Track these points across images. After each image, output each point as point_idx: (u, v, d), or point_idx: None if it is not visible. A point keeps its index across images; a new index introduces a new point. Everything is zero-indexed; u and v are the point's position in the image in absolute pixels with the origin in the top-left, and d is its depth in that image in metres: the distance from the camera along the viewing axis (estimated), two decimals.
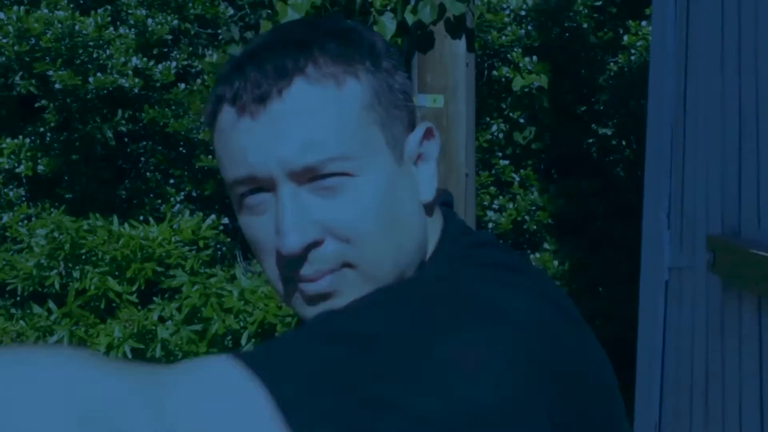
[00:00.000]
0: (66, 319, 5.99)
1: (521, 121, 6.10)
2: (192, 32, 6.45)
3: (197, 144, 6.31)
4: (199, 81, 6.27)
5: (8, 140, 6.52)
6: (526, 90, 5.95)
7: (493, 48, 6.03)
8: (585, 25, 6.18)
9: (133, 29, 6.23)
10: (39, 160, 6.53)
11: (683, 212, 3.66)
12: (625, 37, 6.08)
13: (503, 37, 5.95)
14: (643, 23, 5.97)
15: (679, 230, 3.68)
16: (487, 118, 6.12)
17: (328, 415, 0.81)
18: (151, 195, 6.61)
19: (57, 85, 6.06)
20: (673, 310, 3.73)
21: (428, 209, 1.19)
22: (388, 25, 4.55)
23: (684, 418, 3.72)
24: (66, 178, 6.65)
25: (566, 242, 6.16)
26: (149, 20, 6.20)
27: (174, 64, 6.28)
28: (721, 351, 3.49)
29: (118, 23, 6.26)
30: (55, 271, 6.05)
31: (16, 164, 6.54)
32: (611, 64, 6.30)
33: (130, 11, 6.33)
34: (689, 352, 3.68)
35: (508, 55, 6.01)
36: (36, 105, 6.45)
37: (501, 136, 6.12)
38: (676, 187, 3.68)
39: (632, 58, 6.11)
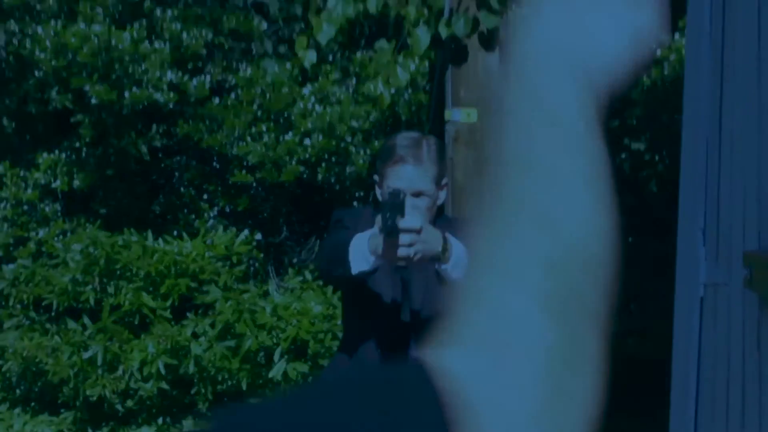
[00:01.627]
0: (100, 335, 6.03)
1: None
2: (226, 46, 6.48)
3: (231, 159, 6.34)
4: (233, 95, 6.29)
5: (44, 155, 6.58)
6: None
7: None
8: None
9: (168, 43, 6.27)
10: (75, 175, 6.58)
11: (719, 228, 3.63)
12: (658, 51, 6.05)
13: None
14: (677, 36, 5.94)
15: (714, 246, 3.65)
16: None
17: None
18: (185, 210, 6.65)
19: (93, 100, 6.11)
20: (709, 327, 3.70)
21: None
22: (422, 38, 4.56)
23: None
24: (101, 193, 6.70)
25: None
26: (184, 34, 6.24)
27: (208, 78, 6.32)
28: (758, 369, 3.45)
29: (153, 37, 6.30)
30: (90, 286, 6.09)
31: (52, 179, 6.59)
32: (644, 78, 6.27)
33: (165, 25, 6.37)
34: (725, 370, 3.65)
35: None
36: (72, 120, 6.51)
37: None
38: (712, 202, 3.66)
39: (665, 72, 6.08)
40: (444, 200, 3.30)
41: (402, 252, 2.86)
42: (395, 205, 2.87)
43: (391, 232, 2.83)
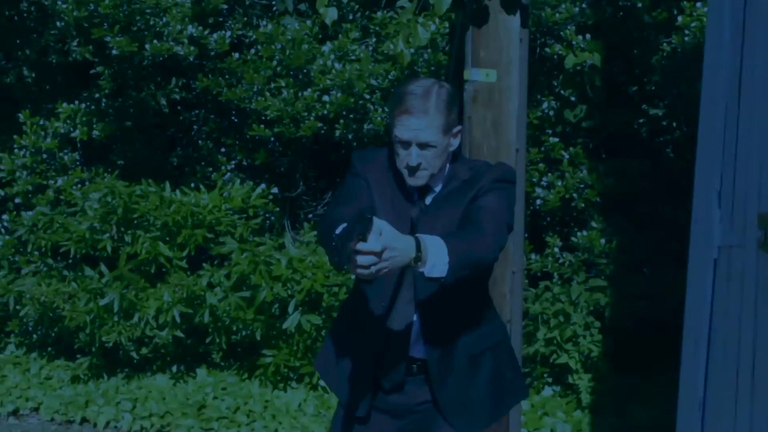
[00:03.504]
0: (117, 282, 6.10)
1: (572, 99, 6.09)
2: (247, 2, 6.49)
3: (249, 113, 6.37)
4: (252, 51, 6.31)
5: (64, 105, 6.62)
6: (578, 68, 5.94)
7: (546, 25, 6.02)
8: (639, 5, 6.14)
9: None
10: (94, 126, 6.62)
11: (734, 191, 3.67)
12: (680, 18, 6.04)
13: (557, 15, 5.94)
14: (698, 4, 5.93)
15: (729, 209, 3.69)
16: (538, 96, 6.12)
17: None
18: (203, 163, 6.69)
19: (114, 52, 6.14)
20: (722, 289, 3.74)
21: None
22: None
23: (729, 398, 3.74)
24: (119, 143, 6.74)
25: (613, 221, 6.16)
26: None
27: (229, 33, 6.34)
28: None
29: None
30: (108, 234, 6.15)
31: (71, 129, 6.64)
32: (664, 44, 6.26)
33: None
34: (737, 331, 3.70)
35: (561, 33, 5.99)
36: (92, 71, 6.54)
37: (551, 113, 6.12)
38: (728, 165, 3.69)
39: (686, 39, 6.07)
40: (457, 146, 3.31)
41: (362, 272, 2.81)
42: (358, 228, 2.78)
43: (348, 257, 2.78)
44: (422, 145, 3.17)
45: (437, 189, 3.35)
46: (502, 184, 3.29)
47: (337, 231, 2.91)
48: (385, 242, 2.82)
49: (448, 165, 3.34)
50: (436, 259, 2.95)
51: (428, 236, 2.99)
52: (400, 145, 3.21)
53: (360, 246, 2.79)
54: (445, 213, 3.29)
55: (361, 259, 2.80)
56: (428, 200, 3.35)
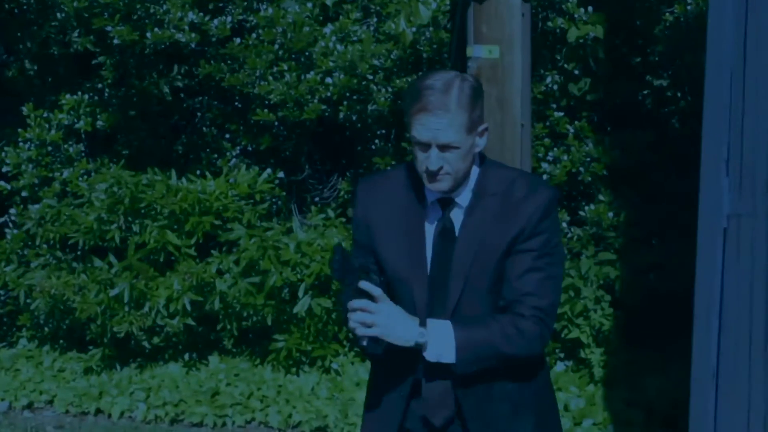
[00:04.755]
0: (126, 272, 6.10)
1: (576, 72, 6.07)
2: None
3: (253, 98, 6.35)
4: (254, 35, 6.29)
5: (67, 97, 6.61)
6: (581, 41, 5.91)
7: None
8: None
9: None
10: (98, 116, 6.61)
11: (742, 159, 3.65)
12: None
13: None
14: None
15: (738, 177, 3.67)
16: (542, 70, 6.09)
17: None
18: (208, 149, 6.68)
19: (115, 41, 6.13)
20: (732, 258, 3.73)
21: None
22: None
23: (742, 367, 3.73)
24: (123, 133, 6.74)
25: (621, 194, 6.15)
26: None
27: (229, 18, 6.32)
28: None
29: None
30: (115, 224, 6.15)
31: (75, 120, 6.63)
32: (667, 14, 6.23)
33: None
34: (748, 300, 3.69)
35: (563, 6, 5.97)
36: (94, 62, 6.53)
37: (555, 87, 6.10)
38: (735, 134, 3.67)
39: (688, 8, 6.04)
40: (483, 146, 2.90)
41: (351, 327, 2.77)
42: (356, 286, 2.77)
43: (345, 318, 2.79)
44: (443, 147, 2.78)
45: (463, 203, 2.94)
46: (549, 222, 2.88)
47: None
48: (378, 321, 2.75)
49: (476, 170, 2.94)
50: (441, 348, 2.78)
51: (437, 322, 2.80)
52: (419, 147, 2.82)
53: (355, 303, 2.75)
54: (477, 239, 2.89)
55: (353, 321, 2.74)
56: (454, 217, 2.95)
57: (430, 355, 2.77)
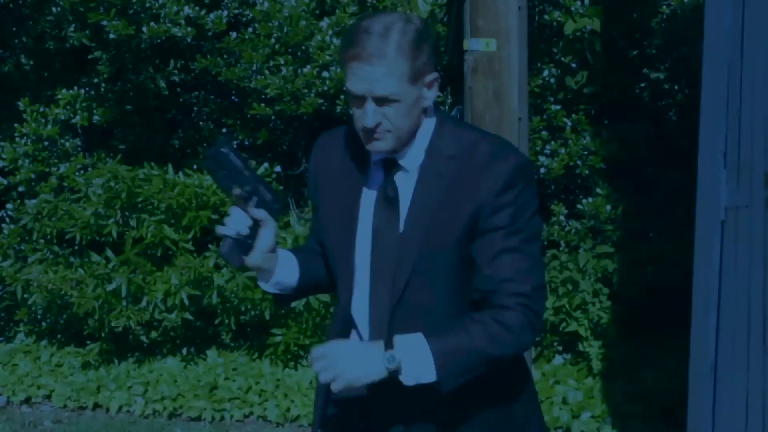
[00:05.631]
0: (124, 267, 6.09)
1: (573, 65, 6.06)
2: None
3: (249, 92, 6.34)
4: (250, 29, 6.28)
5: (63, 91, 6.59)
6: (578, 34, 5.90)
7: None
8: None
9: None
10: (94, 111, 6.60)
11: (740, 151, 3.65)
12: None
13: None
14: None
15: (735, 169, 3.67)
16: (539, 63, 6.09)
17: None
18: (204, 144, 6.66)
19: (111, 36, 6.11)
20: (730, 251, 3.73)
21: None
22: None
23: (741, 360, 3.73)
24: (120, 128, 6.73)
25: (618, 187, 6.15)
26: None
27: (225, 12, 6.30)
28: None
29: None
30: (112, 219, 6.15)
31: (71, 115, 6.62)
32: (663, 7, 6.23)
33: None
34: (746, 292, 3.69)
35: None
36: (89, 56, 6.51)
37: (552, 80, 6.09)
38: (733, 126, 3.67)
39: (685, 0, 6.04)
40: (434, 99, 2.50)
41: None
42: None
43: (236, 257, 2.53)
44: (381, 100, 2.38)
45: (410, 165, 2.51)
46: (515, 192, 2.43)
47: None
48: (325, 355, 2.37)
49: (430, 127, 2.52)
50: (418, 369, 2.36)
51: (405, 338, 2.37)
52: (354, 101, 2.42)
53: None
54: (428, 211, 2.47)
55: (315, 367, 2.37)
56: (399, 182, 2.53)
57: (407, 378, 2.36)
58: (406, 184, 2.52)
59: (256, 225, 2.50)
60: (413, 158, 2.51)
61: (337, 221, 2.59)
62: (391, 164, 2.52)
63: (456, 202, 2.45)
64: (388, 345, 2.38)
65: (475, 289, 2.48)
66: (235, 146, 2.58)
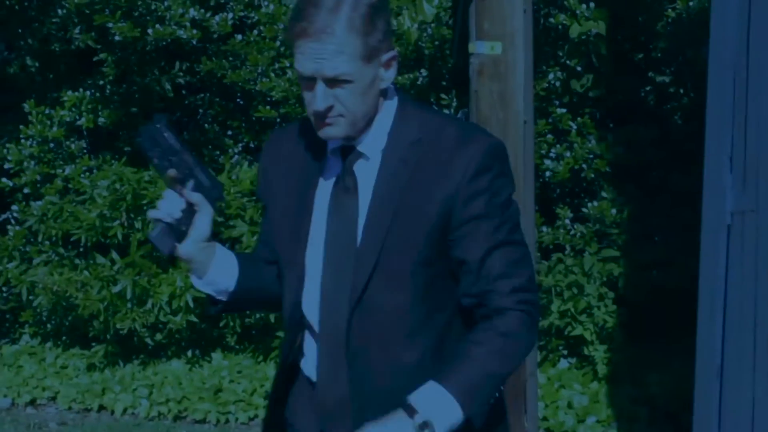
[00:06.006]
0: (129, 269, 6.10)
1: (578, 69, 6.05)
2: None
3: (255, 95, 6.34)
4: (255, 32, 6.28)
5: (69, 93, 6.60)
6: (584, 37, 5.89)
7: None
8: None
9: None
10: (99, 113, 6.60)
11: (746, 155, 3.64)
12: None
13: None
14: None
15: (741, 173, 3.66)
16: (544, 66, 6.08)
17: None
18: (210, 146, 6.67)
19: (117, 37, 6.12)
20: (736, 255, 3.72)
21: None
22: None
23: (747, 364, 3.72)
24: (125, 130, 6.73)
25: (624, 190, 6.14)
26: None
27: (231, 15, 6.30)
28: None
29: None
30: (118, 221, 6.15)
31: (77, 117, 6.62)
32: (669, 10, 6.22)
33: None
34: (752, 296, 3.68)
35: (565, 2, 5.95)
36: (95, 58, 6.52)
37: (558, 84, 6.08)
38: (739, 129, 3.66)
39: (690, 4, 6.04)
40: (392, 79, 2.30)
41: None
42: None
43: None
44: (332, 81, 2.18)
45: (370, 152, 2.32)
46: (490, 176, 2.25)
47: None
48: None
49: (390, 110, 2.33)
50: (445, 416, 2.17)
51: (421, 392, 2.17)
52: (303, 83, 2.23)
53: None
54: (392, 201, 2.26)
55: None
56: (358, 171, 2.33)
57: (441, 430, 2.16)
58: (366, 173, 2.31)
59: (191, 210, 2.31)
60: (373, 144, 2.31)
61: (289, 216, 2.37)
62: (349, 152, 2.32)
63: (424, 191, 2.25)
64: (406, 408, 2.16)
65: (465, 295, 2.29)
66: (171, 124, 2.30)
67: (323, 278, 2.33)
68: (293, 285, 2.38)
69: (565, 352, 6.10)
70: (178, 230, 2.30)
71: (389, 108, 2.33)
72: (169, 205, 2.30)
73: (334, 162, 2.35)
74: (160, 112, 2.42)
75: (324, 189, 2.35)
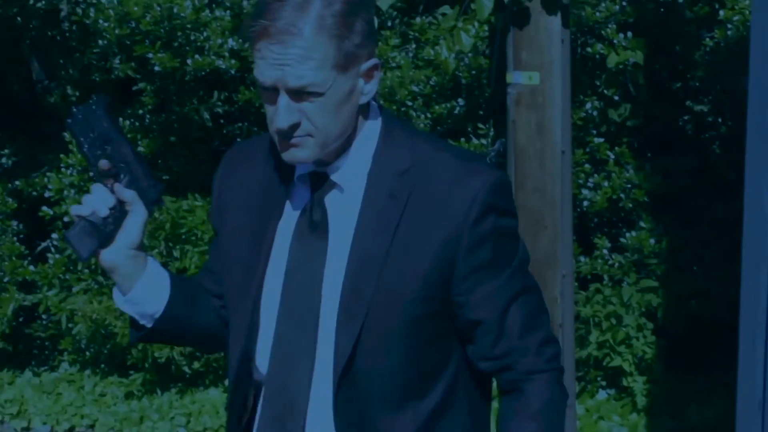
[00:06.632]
0: None
1: (616, 98, 6.04)
2: None
3: None
4: None
5: None
6: (621, 67, 5.89)
7: (587, 24, 5.98)
8: (680, 0, 6.10)
9: (228, 11, 6.31)
10: (138, 142, 6.66)
11: None
12: (721, 12, 5.99)
13: (597, 13, 5.90)
14: None
15: None
16: (581, 96, 6.08)
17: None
18: None
19: (156, 68, 6.18)
20: None
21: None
22: (485, 2, 4.55)
23: None
24: (164, 159, 6.78)
25: (662, 220, 6.10)
26: (244, 2, 6.28)
27: None
28: None
29: (214, 6, 6.35)
30: (156, 250, 6.18)
31: None
32: (707, 39, 6.21)
33: None
34: None
35: (602, 32, 5.95)
36: (134, 88, 6.58)
37: (595, 113, 6.07)
38: None
39: (728, 33, 6.02)
40: (372, 93, 1.92)
41: None
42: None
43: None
44: (297, 93, 1.80)
45: (345, 182, 1.94)
46: (494, 217, 1.91)
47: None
48: None
49: (374, 132, 1.95)
50: None
51: None
52: (265, 95, 1.85)
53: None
54: (376, 244, 1.88)
55: None
56: (330, 204, 1.95)
57: None
58: (341, 207, 1.93)
59: (121, 211, 1.97)
60: (350, 173, 1.92)
61: (243, 248, 2.00)
62: (319, 180, 1.94)
63: (417, 233, 1.88)
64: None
65: (485, 358, 1.97)
66: (111, 109, 1.99)
67: (277, 330, 1.96)
68: (241, 333, 1.99)
69: (604, 383, 6.05)
70: (103, 232, 1.96)
71: (371, 129, 1.95)
72: (95, 201, 1.95)
73: (303, 191, 1.97)
74: (99, 95, 2.02)
75: (289, 221, 1.98)
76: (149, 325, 2.06)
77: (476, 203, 1.87)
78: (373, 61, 1.88)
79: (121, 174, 1.96)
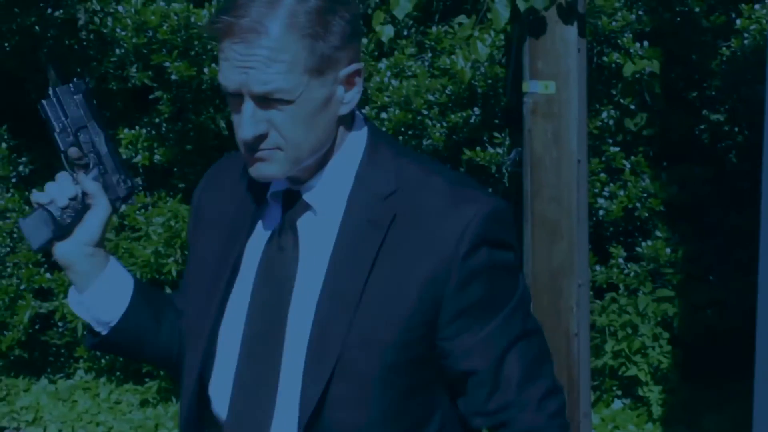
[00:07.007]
0: None
1: (632, 107, 6.04)
2: None
3: None
4: None
5: (125, 131, 6.69)
6: (637, 76, 5.88)
7: (603, 34, 5.98)
8: (697, 9, 6.09)
9: None
10: (155, 150, 6.68)
11: None
12: (738, 21, 5.98)
13: (614, 23, 5.89)
14: (756, 6, 5.88)
15: None
16: (597, 105, 6.07)
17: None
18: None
19: (173, 76, 6.20)
20: None
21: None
22: (501, 11, 4.55)
23: None
24: (180, 167, 6.80)
25: (678, 230, 6.09)
26: None
27: None
28: None
29: None
30: (172, 258, 6.20)
31: (133, 154, 6.71)
32: (723, 48, 6.20)
33: None
34: None
35: (618, 41, 5.95)
36: (151, 96, 6.61)
37: (611, 122, 6.07)
38: None
39: (745, 42, 6.01)
40: (354, 103, 1.71)
41: None
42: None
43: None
44: (263, 100, 1.61)
45: (320, 203, 1.73)
46: (487, 250, 1.67)
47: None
48: None
49: (357, 147, 1.74)
50: None
51: None
52: (230, 101, 1.69)
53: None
54: (356, 282, 1.64)
55: None
56: (303, 227, 1.74)
57: None
58: (316, 232, 1.72)
59: (83, 204, 1.81)
60: (326, 193, 1.71)
61: (207, 274, 1.79)
62: (292, 199, 1.74)
63: (401, 266, 1.65)
64: None
65: (478, 414, 1.73)
66: (91, 94, 1.85)
67: (238, 370, 1.74)
68: (194, 366, 1.78)
69: (619, 393, 6.04)
70: (60, 224, 1.80)
71: (354, 144, 1.74)
72: (56, 190, 1.78)
73: (276, 210, 1.77)
74: (81, 79, 1.84)
75: (259, 243, 1.77)
76: (104, 333, 1.88)
77: (468, 233, 1.64)
78: (355, 66, 1.68)
79: (91, 165, 1.83)
